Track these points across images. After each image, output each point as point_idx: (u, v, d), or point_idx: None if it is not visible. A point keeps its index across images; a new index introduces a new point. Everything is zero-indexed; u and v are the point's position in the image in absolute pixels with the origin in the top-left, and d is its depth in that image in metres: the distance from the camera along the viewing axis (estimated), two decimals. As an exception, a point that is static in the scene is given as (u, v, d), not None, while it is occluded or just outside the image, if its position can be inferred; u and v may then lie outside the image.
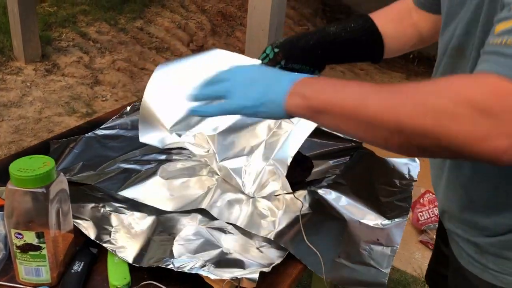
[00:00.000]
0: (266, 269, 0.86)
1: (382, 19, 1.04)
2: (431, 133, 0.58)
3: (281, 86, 0.70)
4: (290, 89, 0.69)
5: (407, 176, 1.23)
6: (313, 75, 0.88)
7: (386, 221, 1.06)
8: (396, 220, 1.06)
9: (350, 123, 0.65)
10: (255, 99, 0.72)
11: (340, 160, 1.24)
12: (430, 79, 0.71)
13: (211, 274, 0.82)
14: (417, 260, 2.34)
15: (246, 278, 0.83)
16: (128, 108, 1.47)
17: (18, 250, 0.81)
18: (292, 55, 0.98)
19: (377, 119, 0.62)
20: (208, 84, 0.77)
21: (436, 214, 2.42)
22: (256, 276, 0.83)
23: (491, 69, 0.57)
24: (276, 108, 0.71)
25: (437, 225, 2.57)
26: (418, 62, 5.35)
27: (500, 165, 0.58)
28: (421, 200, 2.50)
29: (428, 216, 2.44)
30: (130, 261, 0.87)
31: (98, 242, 0.90)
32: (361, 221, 1.05)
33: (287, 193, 1.08)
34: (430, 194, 2.49)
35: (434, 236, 2.37)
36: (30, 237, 0.80)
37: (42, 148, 1.23)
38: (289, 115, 0.71)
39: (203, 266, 0.85)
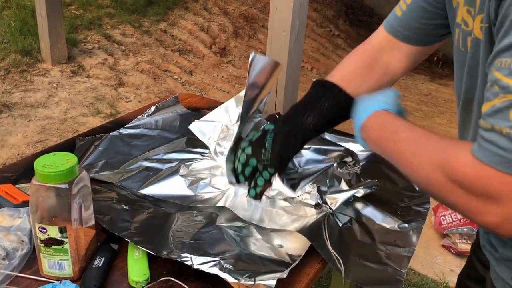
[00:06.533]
0: (283, 276, 0.85)
1: (352, 81, 0.96)
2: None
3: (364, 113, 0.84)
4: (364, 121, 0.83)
5: None
6: None
7: (403, 224, 1.05)
8: (413, 224, 1.06)
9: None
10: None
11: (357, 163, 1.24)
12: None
13: (229, 276, 0.83)
14: (438, 264, 2.30)
15: (263, 284, 0.82)
16: (152, 108, 1.49)
17: (42, 244, 0.84)
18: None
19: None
20: None
21: (459, 218, 2.37)
22: (273, 282, 0.83)
23: (474, 153, 0.61)
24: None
25: (459, 229, 2.52)
26: (443, 65, 5.28)
27: (502, 234, 0.63)
28: (444, 204, 2.46)
29: (451, 220, 2.40)
30: (150, 251, 0.87)
31: (117, 234, 0.91)
32: (378, 223, 1.05)
33: (305, 193, 1.08)
34: (453, 198, 2.45)
35: (457, 240, 2.34)
36: (53, 232, 0.82)
37: (67, 146, 1.26)
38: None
39: (220, 266, 0.85)
